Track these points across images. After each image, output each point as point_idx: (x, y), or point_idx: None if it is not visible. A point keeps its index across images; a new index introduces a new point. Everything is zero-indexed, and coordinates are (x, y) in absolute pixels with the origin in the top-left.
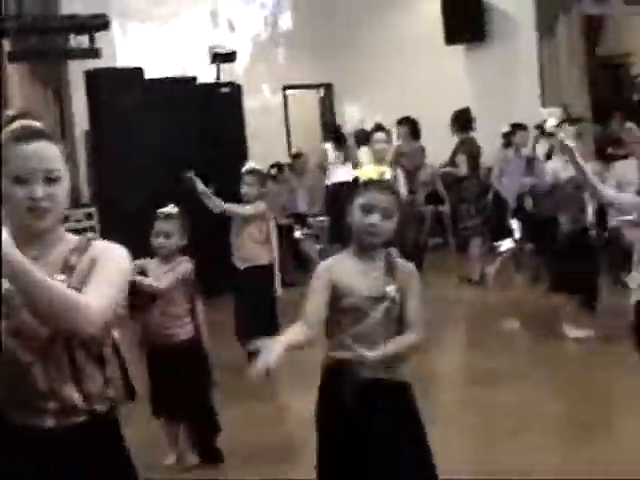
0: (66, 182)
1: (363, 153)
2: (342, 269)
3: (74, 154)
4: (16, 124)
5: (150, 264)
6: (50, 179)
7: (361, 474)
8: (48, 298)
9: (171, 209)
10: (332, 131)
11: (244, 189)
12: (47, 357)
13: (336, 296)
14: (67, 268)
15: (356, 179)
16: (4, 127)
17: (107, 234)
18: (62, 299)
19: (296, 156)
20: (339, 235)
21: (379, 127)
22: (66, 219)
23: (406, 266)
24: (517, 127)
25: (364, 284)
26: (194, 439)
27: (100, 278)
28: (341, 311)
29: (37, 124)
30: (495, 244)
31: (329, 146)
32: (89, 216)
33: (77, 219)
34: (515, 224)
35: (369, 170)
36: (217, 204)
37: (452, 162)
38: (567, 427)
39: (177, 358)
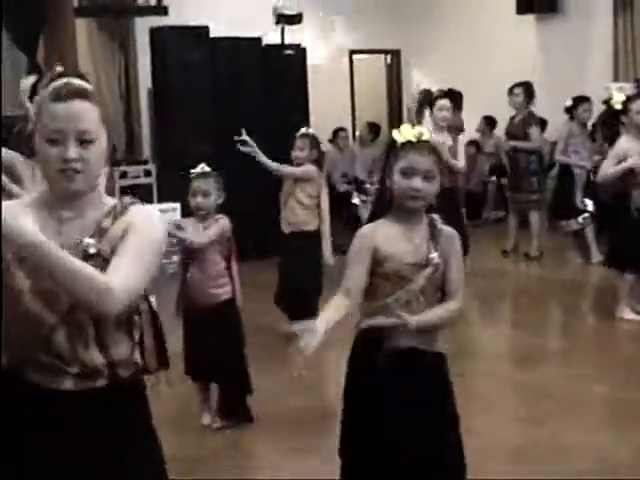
0: (102, 144)
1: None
2: (383, 235)
3: (138, 111)
4: (59, 82)
5: (187, 223)
6: (83, 141)
7: (389, 450)
8: (66, 277)
9: (204, 168)
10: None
11: (295, 152)
12: (70, 320)
13: (377, 262)
14: (98, 232)
15: (393, 142)
16: (48, 84)
17: (164, 192)
18: (81, 279)
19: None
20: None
21: (443, 94)
22: (124, 175)
23: (449, 232)
24: (580, 100)
25: (407, 250)
26: (223, 400)
27: (130, 252)
28: (381, 277)
29: (79, 83)
30: (564, 222)
31: None
32: (147, 173)
33: (135, 175)
34: (587, 200)
35: (406, 131)
36: (268, 164)
37: (513, 134)
38: (611, 410)
39: (214, 318)
